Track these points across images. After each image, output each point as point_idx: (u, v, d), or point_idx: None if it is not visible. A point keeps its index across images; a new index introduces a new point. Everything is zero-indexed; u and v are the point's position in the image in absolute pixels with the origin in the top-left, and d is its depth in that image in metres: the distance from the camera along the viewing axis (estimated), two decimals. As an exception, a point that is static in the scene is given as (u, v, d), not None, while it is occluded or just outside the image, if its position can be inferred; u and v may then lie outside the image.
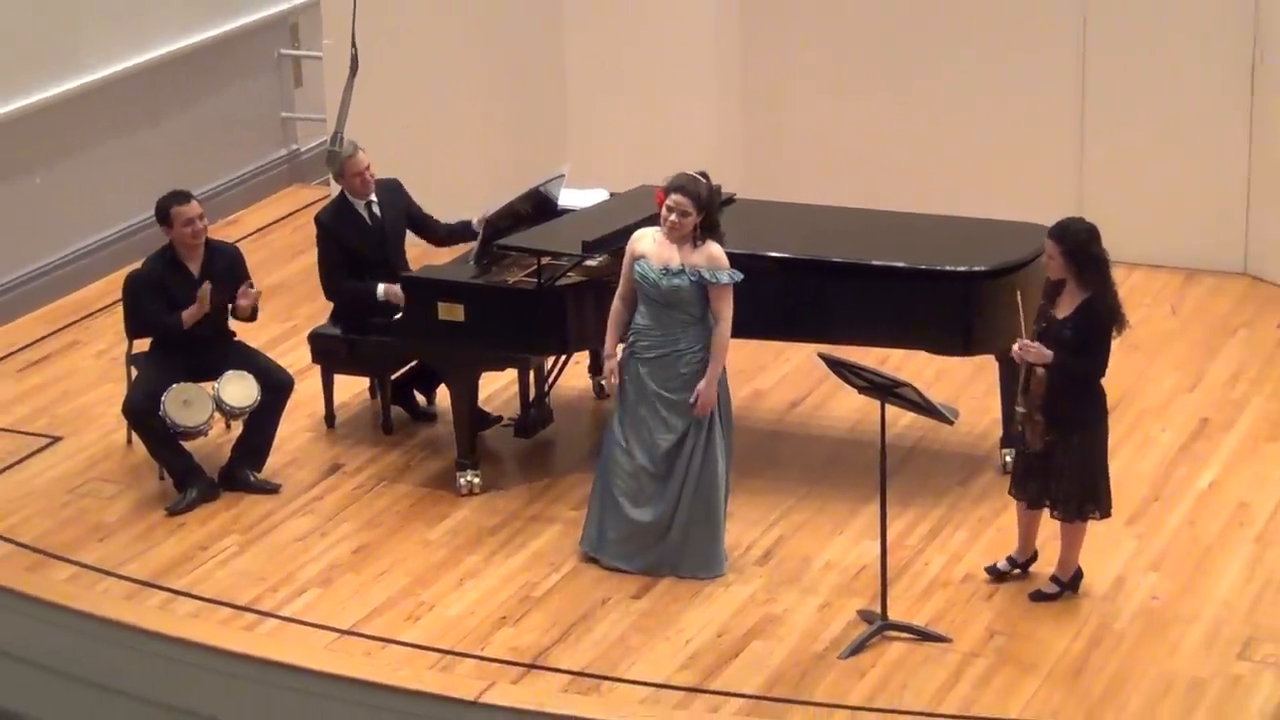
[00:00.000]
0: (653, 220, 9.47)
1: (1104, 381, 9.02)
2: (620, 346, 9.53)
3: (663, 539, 9.55)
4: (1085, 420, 9.02)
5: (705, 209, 9.24)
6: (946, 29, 12.77)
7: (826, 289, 10.13)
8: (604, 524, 9.65)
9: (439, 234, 10.92)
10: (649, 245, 9.35)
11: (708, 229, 9.28)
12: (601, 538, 9.66)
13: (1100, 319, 8.91)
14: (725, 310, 9.33)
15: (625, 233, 9.82)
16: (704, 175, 9.33)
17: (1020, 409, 9.01)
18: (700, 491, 9.48)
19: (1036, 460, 9.05)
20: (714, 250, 9.28)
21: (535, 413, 10.84)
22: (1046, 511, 9.18)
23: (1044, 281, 9.11)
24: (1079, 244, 8.93)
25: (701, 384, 9.31)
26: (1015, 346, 8.93)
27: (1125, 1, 12.43)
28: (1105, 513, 9.19)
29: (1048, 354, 8.84)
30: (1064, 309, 8.95)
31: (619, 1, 13.04)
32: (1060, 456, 8.99)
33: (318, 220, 10.87)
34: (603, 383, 11.25)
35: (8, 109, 12.51)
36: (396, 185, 10.88)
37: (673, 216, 9.22)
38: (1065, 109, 12.67)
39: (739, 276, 9.33)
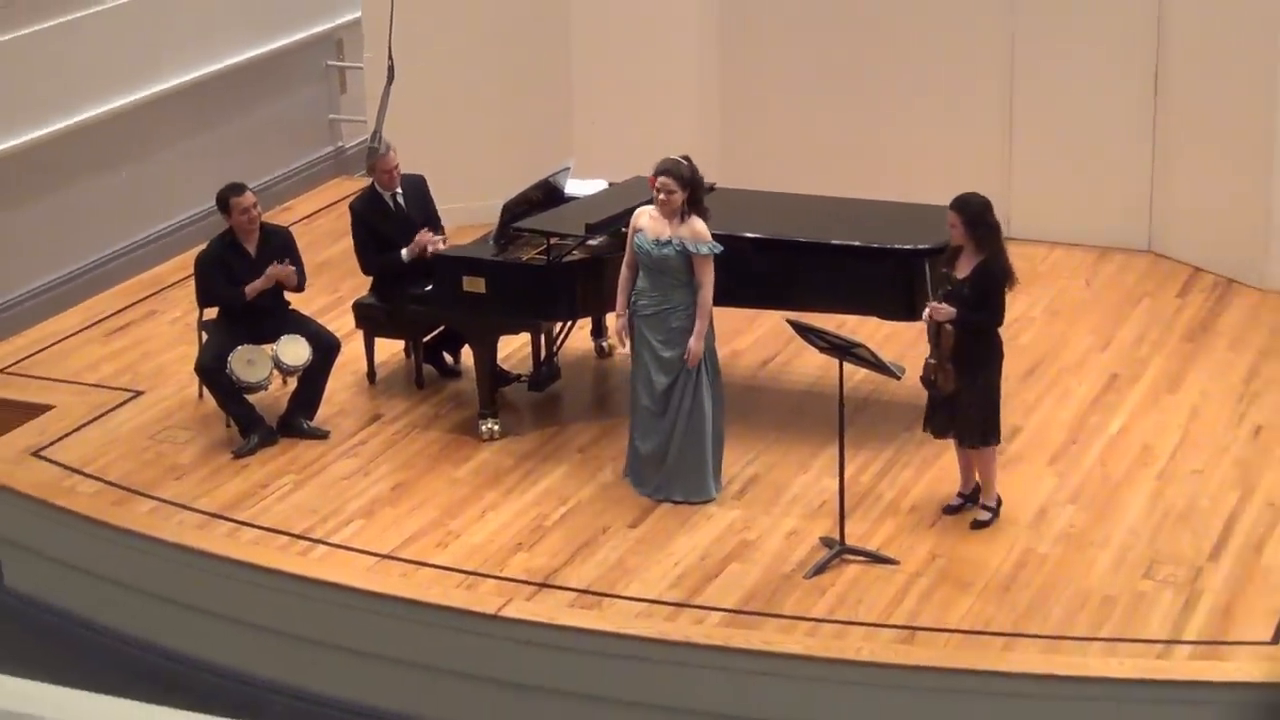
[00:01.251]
0: (649, 202, 9.53)
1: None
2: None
3: (660, 468, 9.62)
4: (985, 364, 9.09)
5: (689, 185, 9.32)
6: (895, 45, 12.77)
7: (793, 264, 10.15)
8: (629, 454, 9.80)
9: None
10: (646, 221, 9.44)
11: (693, 205, 9.34)
12: (629, 466, 9.81)
13: (995, 277, 8.97)
14: (706, 277, 9.37)
15: (622, 216, 9.86)
16: (686, 158, 9.42)
17: (932, 360, 9.07)
18: (690, 428, 9.54)
19: (943, 400, 9.12)
20: (698, 225, 9.34)
21: (546, 370, 10.83)
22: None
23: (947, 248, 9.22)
24: (976, 214, 9.00)
25: (691, 340, 9.37)
26: (926, 310, 9.00)
27: (1048, 20, 12.43)
28: (997, 439, 9.27)
29: (951, 311, 8.89)
30: (963, 270, 9.01)
31: (617, 22, 13.05)
32: (965, 395, 9.06)
33: (351, 207, 10.95)
34: (604, 345, 11.27)
35: (98, 112, 12.52)
36: (421, 181, 10.91)
37: (661, 195, 9.31)
38: (996, 112, 12.67)
39: (718, 249, 9.38)
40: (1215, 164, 12.05)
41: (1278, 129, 11.61)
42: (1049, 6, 12.42)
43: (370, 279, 10.90)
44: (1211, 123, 12.01)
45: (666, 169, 9.33)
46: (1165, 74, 12.24)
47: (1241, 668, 8.14)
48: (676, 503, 9.60)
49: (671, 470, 9.62)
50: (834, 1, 12.88)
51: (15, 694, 2.98)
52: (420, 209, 10.82)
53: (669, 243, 9.34)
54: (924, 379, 9.19)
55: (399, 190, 10.77)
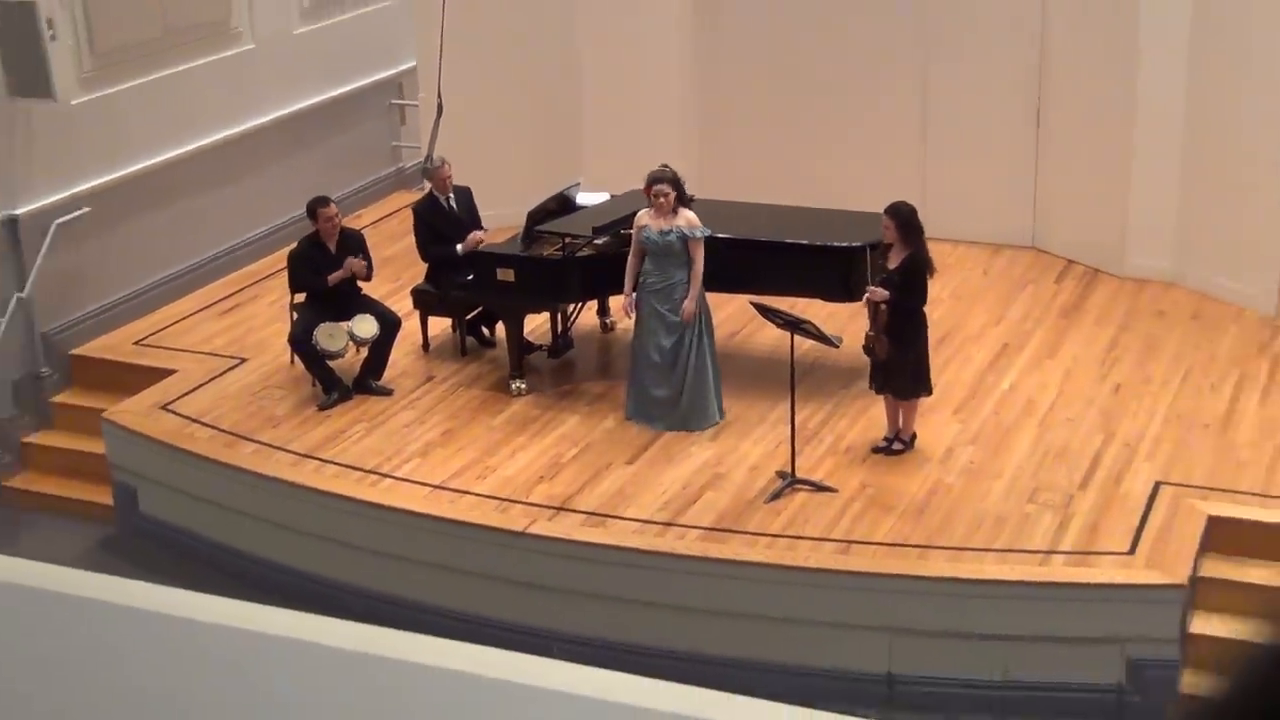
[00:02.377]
0: (643, 205, 9.62)
1: (937, 319, 9.03)
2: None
3: (675, 407, 9.66)
4: (913, 336, 9.10)
5: (677, 186, 9.42)
6: (837, 86, 12.73)
7: (756, 258, 10.13)
8: (637, 400, 9.81)
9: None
10: (648, 219, 9.52)
11: (681, 200, 9.48)
12: (636, 410, 9.80)
13: (919, 268, 8.97)
14: (699, 254, 9.49)
15: (622, 221, 9.90)
16: (665, 166, 9.55)
17: (870, 332, 9.08)
18: (695, 375, 9.62)
19: (881, 364, 9.13)
20: (690, 215, 9.49)
21: (562, 341, 10.83)
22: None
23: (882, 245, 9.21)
24: (904, 218, 9.02)
25: (687, 302, 9.45)
26: (865, 293, 9.01)
27: (954, 69, 12.39)
28: (929, 392, 9.29)
29: (885, 294, 8.90)
30: (893, 261, 9.02)
31: (617, 68, 13.01)
32: (900, 361, 9.06)
33: (414, 209, 10.96)
34: (607, 322, 11.25)
35: (213, 139, 12.50)
36: (468, 191, 10.89)
37: (661, 199, 9.39)
38: (913, 138, 12.64)
39: (708, 232, 9.55)
40: (1084, 179, 12.03)
41: (1133, 153, 11.59)
42: (954, 58, 12.38)
43: (425, 269, 10.90)
44: (1081, 147, 11.99)
45: (661, 178, 9.42)
46: (1045, 109, 12.22)
47: (1105, 573, 8.16)
48: (690, 430, 9.64)
49: (685, 409, 9.67)
50: (788, 53, 12.83)
51: (148, 598, 2.97)
52: (468, 212, 10.82)
53: (670, 231, 9.42)
54: (864, 348, 9.20)
55: (451, 195, 10.77)
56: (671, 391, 9.65)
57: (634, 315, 9.73)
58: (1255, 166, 10.88)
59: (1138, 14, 11.34)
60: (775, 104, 12.95)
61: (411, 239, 11.01)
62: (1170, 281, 11.73)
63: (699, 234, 9.43)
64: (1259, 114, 10.79)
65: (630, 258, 9.64)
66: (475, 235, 10.61)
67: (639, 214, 9.61)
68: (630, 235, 9.73)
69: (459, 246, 10.57)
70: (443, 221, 10.70)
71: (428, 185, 10.97)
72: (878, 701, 8.12)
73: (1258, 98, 10.79)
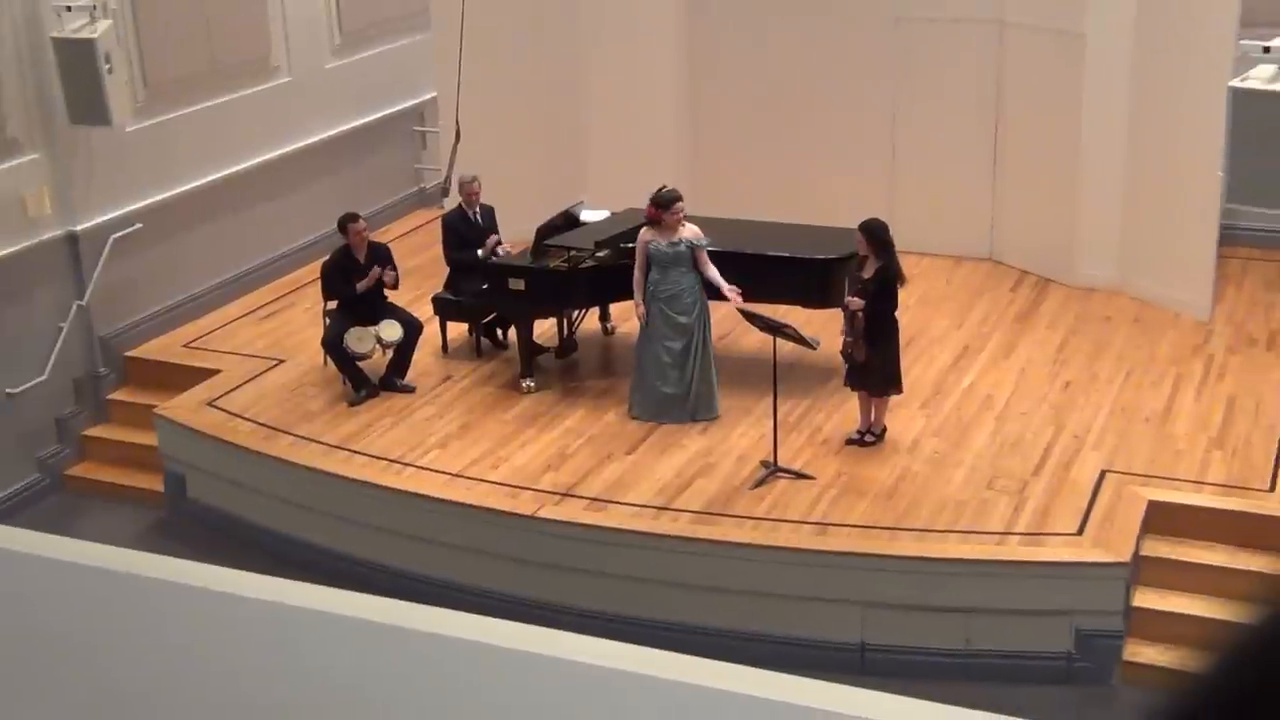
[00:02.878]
0: (639, 225, 9.62)
1: (905, 323, 9.01)
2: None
3: (684, 403, 9.66)
4: (885, 339, 9.08)
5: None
6: (818, 115, 12.73)
7: (743, 268, 10.08)
8: (644, 398, 9.76)
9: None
10: (652, 235, 9.56)
11: (685, 216, 9.59)
12: (643, 408, 9.77)
13: (890, 278, 8.96)
14: (706, 258, 9.52)
15: (622, 236, 9.90)
16: (673, 188, 9.63)
17: (849, 337, 9.06)
18: (702, 371, 9.66)
19: (857, 364, 9.11)
20: (695, 229, 9.56)
21: (568, 343, 10.83)
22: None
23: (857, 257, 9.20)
24: (876, 234, 9.01)
25: (724, 288, 9.44)
26: (845, 300, 9.00)
27: (920, 101, 12.39)
28: (899, 390, 9.25)
29: (860, 302, 8.88)
30: (868, 272, 9.01)
31: (618, 100, 13.00)
32: (871, 361, 9.04)
33: (444, 219, 11.05)
34: (608, 326, 11.25)
35: (257, 161, 12.50)
36: (492, 209, 10.95)
37: (680, 215, 9.44)
38: (884, 163, 12.63)
39: (713, 244, 9.59)
40: (1036, 198, 12.03)
41: (1081, 175, 11.60)
42: (920, 92, 12.38)
43: (445, 278, 10.91)
44: (1034, 170, 11.99)
45: (677, 197, 9.51)
46: (1001, 135, 12.22)
47: (1055, 551, 8.17)
48: (698, 420, 9.66)
49: (694, 402, 9.68)
50: (772, 86, 12.82)
51: (195, 575, 2.97)
52: (490, 226, 10.88)
53: (680, 242, 9.46)
54: (843, 352, 9.18)
55: (478, 209, 10.81)
56: (681, 388, 9.66)
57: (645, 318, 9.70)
58: (1190, 188, 10.88)
59: (1084, 50, 11.36)
60: (761, 131, 12.94)
61: (430, 252, 11.03)
62: (1115, 290, 11.73)
63: (706, 243, 9.57)
64: (1193, 141, 10.79)
65: (636, 271, 9.63)
66: (493, 238, 10.66)
67: (641, 232, 9.61)
68: (629, 249, 9.72)
69: (479, 251, 10.63)
70: (468, 230, 10.79)
71: (447, 203, 10.98)
72: (851, 668, 8.12)
73: (1192, 126, 10.79)
